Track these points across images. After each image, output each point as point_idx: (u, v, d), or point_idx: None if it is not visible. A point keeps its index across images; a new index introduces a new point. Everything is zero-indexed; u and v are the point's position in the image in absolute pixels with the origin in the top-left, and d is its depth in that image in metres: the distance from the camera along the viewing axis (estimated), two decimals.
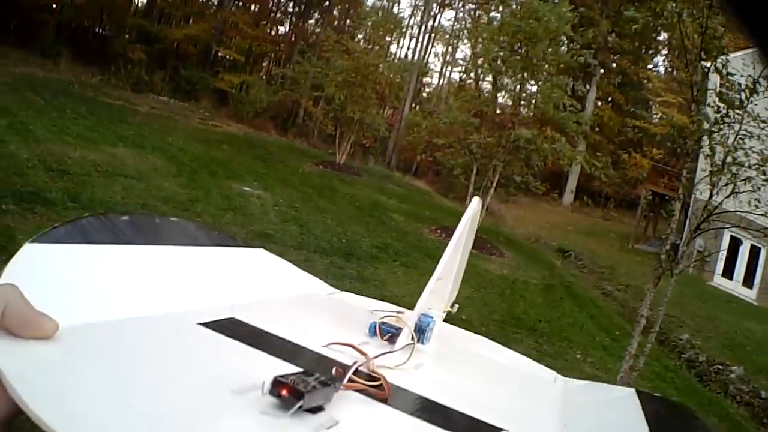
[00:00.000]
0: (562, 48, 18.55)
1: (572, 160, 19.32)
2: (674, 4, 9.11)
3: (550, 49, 17.28)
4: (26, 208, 8.39)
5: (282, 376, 0.83)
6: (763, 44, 0.75)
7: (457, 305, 2.13)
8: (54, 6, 38.90)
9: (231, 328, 1.11)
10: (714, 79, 9.78)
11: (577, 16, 18.41)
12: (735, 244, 23.32)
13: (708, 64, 9.26)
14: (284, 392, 0.82)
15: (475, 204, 1.90)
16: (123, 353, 0.89)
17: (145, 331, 0.99)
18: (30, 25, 38.85)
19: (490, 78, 20.00)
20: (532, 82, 18.89)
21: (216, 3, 45.51)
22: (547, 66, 17.86)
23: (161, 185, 12.47)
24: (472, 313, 9.80)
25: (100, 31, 44.20)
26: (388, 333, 1.35)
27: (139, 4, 48.76)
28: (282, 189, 16.13)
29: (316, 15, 44.49)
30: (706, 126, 9.01)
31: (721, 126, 8.91)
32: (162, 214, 9.72)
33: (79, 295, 0.97)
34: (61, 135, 14.22)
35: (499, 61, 18.65)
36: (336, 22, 42.63)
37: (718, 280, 23.23)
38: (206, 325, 1.09)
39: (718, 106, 9.19)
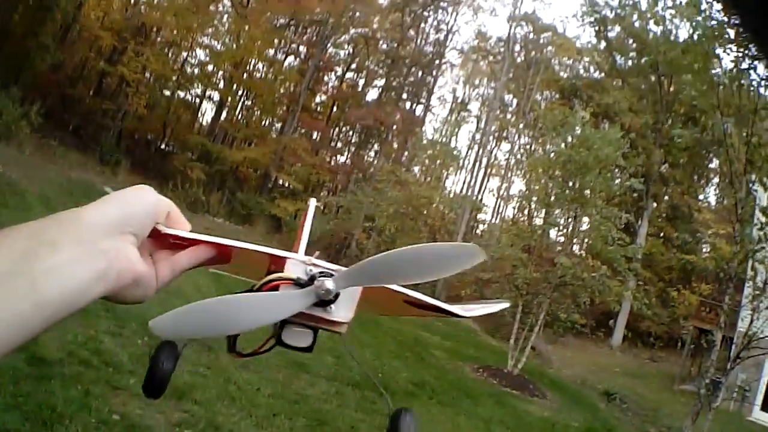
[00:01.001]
0: (613, 178, 18.43)
1: (620, 297, 19.00)
2: (720, 115, 9.20)
3: (599, 179, 17.23)
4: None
5: None
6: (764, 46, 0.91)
7: None
8: (117, 113, 39.79)
9: None
10: (760, 195, 9.78)
11: (629, 142, 18.37)
12: None
13: (753, 177, 9.27)
14: None
15: (312, 204, 2.22)
16: None
17: None
18: (91, 129, 40.10)
19: (542, 213, 19.98)
20: (584, 218, 18.87)
21: (279, 128, 46.65)
22: (596, 197, 17.79)
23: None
24: None
25: (162, 145, 45.69)
26: None
27: (204, 123, 50.68)
28: None
29: (376, 146, 45.47)
30: (750, 246, 8.99)
31: (765, 245, 8.88)
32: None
33: None
34: None
35: (550, 194, 18.72)
36: (394, 154, 43.34)
37: (758, 414, 22.31)
38: None
39: (762, 223, 9.17)
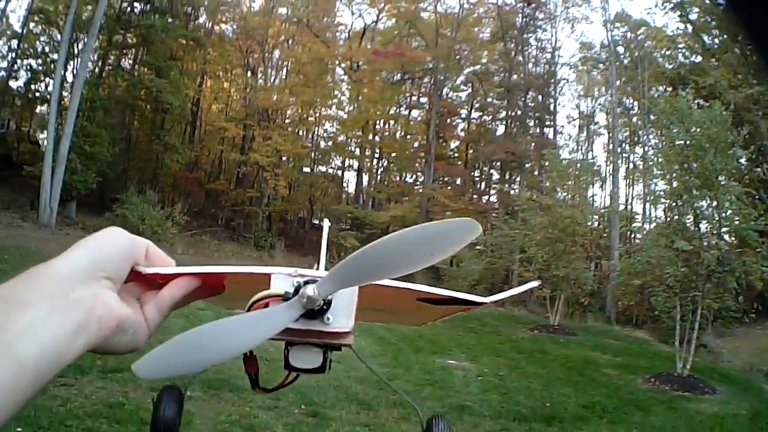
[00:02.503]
0: (735, 158, 17.77)
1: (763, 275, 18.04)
2: None
3: (718, 158, 16.64)
4: (212, 394, 8.60)
5: None
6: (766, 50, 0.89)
7: None
8: (261, 199, 41.07)
9: None
10: None
11: (730, 117, 17.76)
12: None
13: None
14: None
15: (326, 225, 2.40)
16: None
17: None
18: (240, 218, 41.71)
19: (679, 205, 19.37)
20: (715, 203, 18.25)
21: (419, 182, 46.99)
22: (724, 179, 17.15)
23: (359, 366, 11.87)
24: None
25: (315, 220, 46.28)
26: None
27: (350, 191, 51.79)
28: (489, 358, 15.95)
29: (518, 179, 45.10)
30: None
31: None
32: (354, 393, 9.90)
33: None
34: None
35: (674, 183, 18.31)
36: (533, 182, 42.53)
37: None
38: None
39: None
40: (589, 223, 26.05)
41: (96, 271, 0.91)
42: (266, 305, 1.09)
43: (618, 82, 41.77)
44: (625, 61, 43.33)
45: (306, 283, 1.04)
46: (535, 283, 1.67)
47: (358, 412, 9.03)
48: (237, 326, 1.01)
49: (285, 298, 1.07)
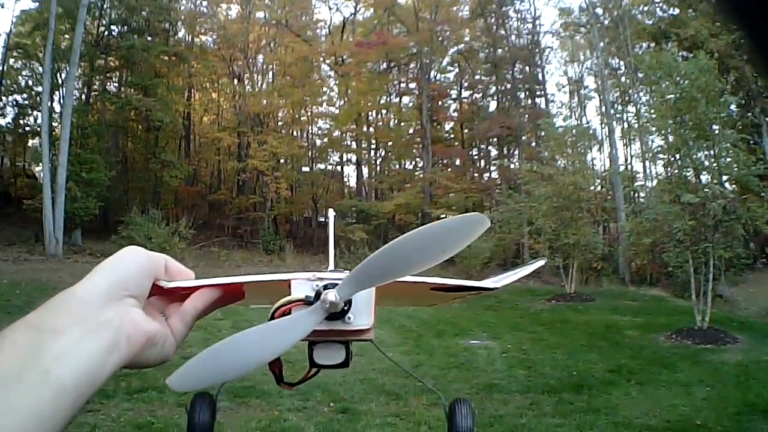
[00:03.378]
0: (726, 105, 17.74)
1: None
2: None
3: (710, 107, 16.63)
4: (240, 402, 8.60)
5: None
6: (763, 49, 0.95)
7: None
8: (264, 203, 41.28)
9: None
10: None
11: (716, 64, 17.75)
12: None
13: None
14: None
15: (331, 216, 2.45)
16: None
17: None
18: (246, 225, 41.97)
19: (677, 159, 19.30)
20: (713, 153, 18.20)
21: (419, 167, 47.05)
22: (715, 127, 17.16)
23: (384, 357, 12.11)
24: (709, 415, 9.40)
25: (321, 218, 46.31)
26: None
27: (352, 185, 52.37)
28: (511, 334, 15.91)
29: (517, 152, 45.21)
30: None
31: None
32: (381, 385, 9.92)
33: None
34: None
35: (670, 137, 18.36)
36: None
37: None
38: None
39: None
40: (592, 188, 26.02)
41: (120, 291, 0.93)
42: (289, 311, 1.11)
43: (602, 44, 41.73)
44: (606, 22, 43.34)
45: (326, 287, 1.08)
46: (542, 262, 1.69)
47: (387, 403, 9.02)
48: (264, 334, 1.03)
49: (306, 302, 1.10)
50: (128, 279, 0.96)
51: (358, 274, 1.01)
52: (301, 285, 1.14)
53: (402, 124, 50.34)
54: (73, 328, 0.84)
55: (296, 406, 8.67)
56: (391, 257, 1.00)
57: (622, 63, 43.88)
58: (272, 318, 1.11)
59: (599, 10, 43.48)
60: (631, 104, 42.73)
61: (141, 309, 0.97)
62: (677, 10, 38.88)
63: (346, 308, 1.11)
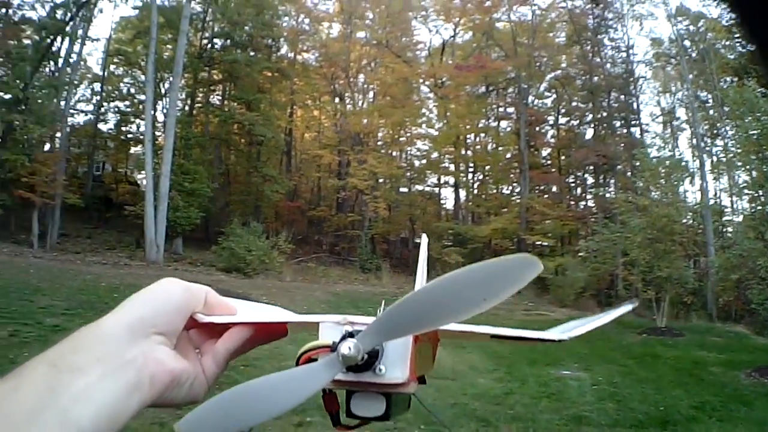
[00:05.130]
0: None
1: None
2: None
3: None
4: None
5: None
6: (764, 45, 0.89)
7: None
8: (363, 222, 41.36)
9: None
10: None
11: None
12: None
13: None
14: None
15: (424, 241, 2.38)
16: None
17: None
18: (344, 242, 42.33)
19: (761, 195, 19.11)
20: None
21: (516, 192, 46.83)
22: None
23: (476, 382, 12.58)
24: None
25: (417, 239, 45.53)
26: None
27: (449, 207, 52.08)
28: (602, 366, 15.84)
29: (612, 181, 44.65)
30: None
31: None
32: (472, 410, 9.93)
33: None
34: None
35: (753, 173, 18.23)
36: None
37: None
38: None
39: None
40: (684, 221, 25.79)
41: (146, 328, 0.91)
42: (315, 357, 1.02)
43: (690, 76, 41.29)
44: (693, 54, 42.85)
45: (350, 334, 0.97)
46: (629, 307, 1.43)
47: (476, 430, 9.03)
48: (277, 383, 0.95)
49: (332, 348, 0.98)
50: (157, 315, 0.94)
51: (383, 322, 0.92)
52: (329, 329, 1.05)
53: (500, 148, 49.98)
54: (93, 367, 0.83)
55: (387, 426, 8.80)
56: (422, 303, 0.88)
57: (710, 96, 43.33)
58: (297, 364, 1.03)
59: (687, 42, 43.04)
60: (720, 138, 42.17)
61: (170, 346, 0.95)
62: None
63: (372, 359, 1.00)
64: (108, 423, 0.80)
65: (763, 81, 18.98)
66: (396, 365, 1.02)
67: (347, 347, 0.90)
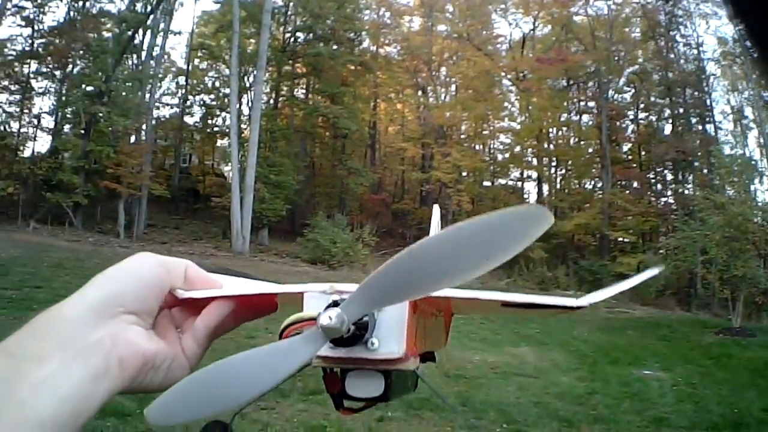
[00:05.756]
0: None
1: None
2: None
3: None
4: (413, 414, 8.49)
5: None
6: (764, 46, 0.91)
7: None
8: (446, 215, 41.15)
9: None
10: None
11: None
12: None
13: None
14: None
15: (436, 211, 2.23)
16: None
17: None
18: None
19: None
20: None
21: (598, 187, 46.65)
22: None
23: (558, 381, 12.51)
24: None
25: None
26: None
27: (531, 201, 51.03)
28: (682, 367, 15.72)
29: (690, 177, 44.16)
30: None
31: None
32: (555, 410, 9.94)
33: None
34: (464, 340, 14.97)
35: None
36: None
37: None
38: None
39: None
40: (756, 220, 25.69)
41: (113, 307, 0.85)
42: (301, 330, 0.90)
43: (754, 76, 40.75)
44: (755, 55, 42.19)
45: (336, 303, 0.86)
46: (655, 271, 1.28)
47: (559, 430, 9.07)
48: (255, 361, 0.86)
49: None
50: (125, 293, 0.87)
51: (368, 288, 0.81)
52: (315, 299, 0.94)
53: (582, 142, 49.71)
54: (55, 353, 0.77)
55: (468, 424, 9.09)
56: (415, 266, 0.77)
57: None
58: (281, 338, 0.93)
59: (748, 43, 42.40)
60: None
61: (145, 326, 0.89)
62: None
63: (361, 332, 0.89)
64: (72, 413, 0.75)
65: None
66: (390, 338, 0.91)
67: (327, 317, 0.81)
